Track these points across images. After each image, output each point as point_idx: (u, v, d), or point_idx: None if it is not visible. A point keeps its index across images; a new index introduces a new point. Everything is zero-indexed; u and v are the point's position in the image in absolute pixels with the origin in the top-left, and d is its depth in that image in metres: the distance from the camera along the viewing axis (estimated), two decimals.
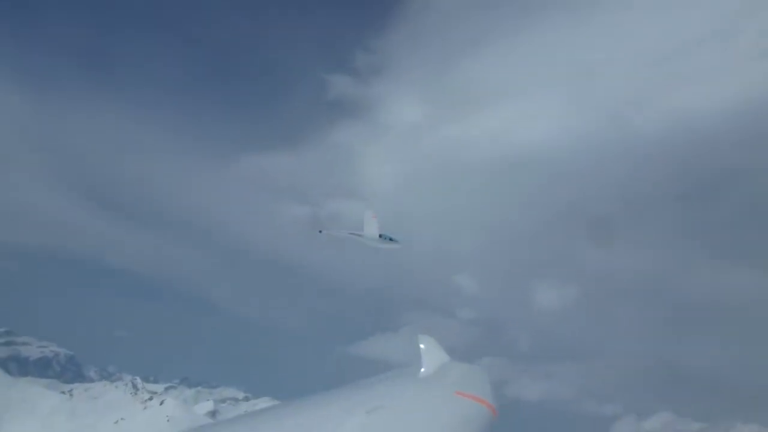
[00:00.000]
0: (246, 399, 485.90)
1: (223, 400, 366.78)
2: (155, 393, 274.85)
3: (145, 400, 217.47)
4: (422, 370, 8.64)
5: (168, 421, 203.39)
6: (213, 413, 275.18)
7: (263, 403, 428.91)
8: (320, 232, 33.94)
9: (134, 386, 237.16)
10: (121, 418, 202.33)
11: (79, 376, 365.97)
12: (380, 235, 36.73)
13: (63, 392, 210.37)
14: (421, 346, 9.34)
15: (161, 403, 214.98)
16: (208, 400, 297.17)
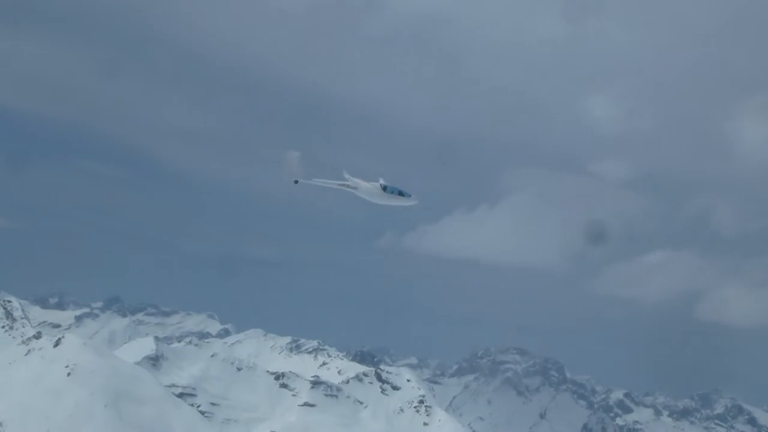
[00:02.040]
0: (223, 334, 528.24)
1: (181, 337, 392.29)
2: (57, 326, 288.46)
3: (28, 339, 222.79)
4: None
5: (69, 374, 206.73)
6: (155, 360, 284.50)
7: (251, 340, 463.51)
8: (295, 182, 50.24)
9: (9, 314, 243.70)
10: None
11: None
12: (384, 188, 54.08)
13: None
14: None
15: (56, 344, 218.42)
16: (147, 335, 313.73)
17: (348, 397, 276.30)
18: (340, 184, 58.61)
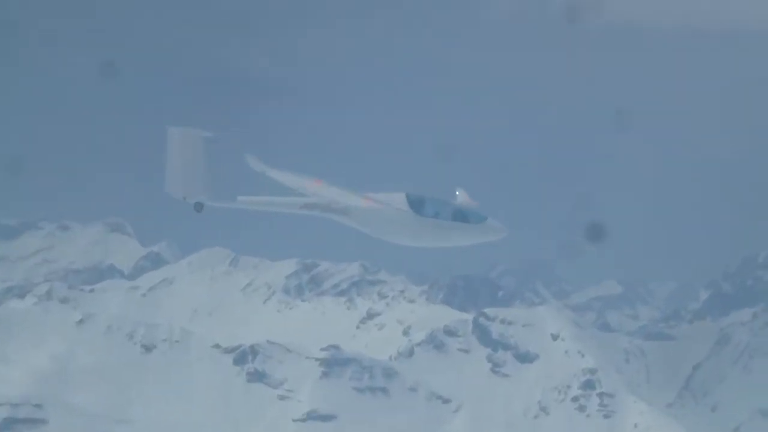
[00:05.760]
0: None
1: None
2: None
3: None
4: None
5: None
6: None
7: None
8: (198, 208, 59.13)
9: None
10: None
11: None
12: (417, 203, 60.04)
13: None
14: None
15: None
16: None
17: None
18: (304, 205, 58.69)
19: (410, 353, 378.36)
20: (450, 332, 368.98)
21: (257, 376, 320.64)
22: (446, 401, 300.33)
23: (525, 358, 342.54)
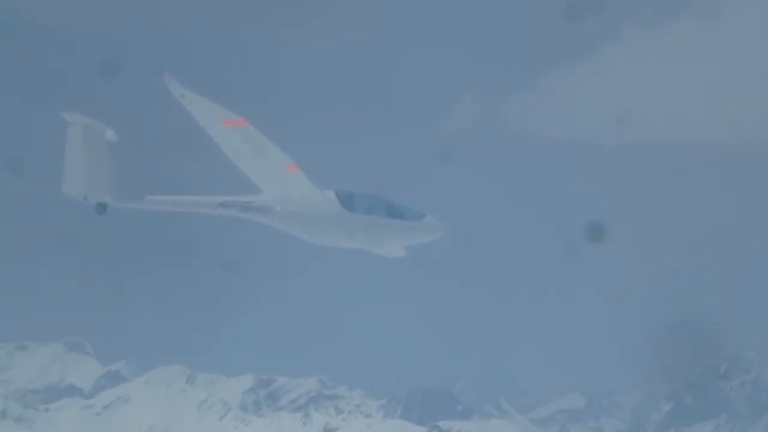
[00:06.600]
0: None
1: None
2: None
3: None
4: None
5: None
6: None
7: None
8: (99, 209, 55.36)
9: None
10: None
11: None
12: (346, 198, 56.61)
13: None
14: None
15: None
16: None
17: None
18: (220, 206, 56.27)
19: None
20: None
21: None
22: None
23: None
